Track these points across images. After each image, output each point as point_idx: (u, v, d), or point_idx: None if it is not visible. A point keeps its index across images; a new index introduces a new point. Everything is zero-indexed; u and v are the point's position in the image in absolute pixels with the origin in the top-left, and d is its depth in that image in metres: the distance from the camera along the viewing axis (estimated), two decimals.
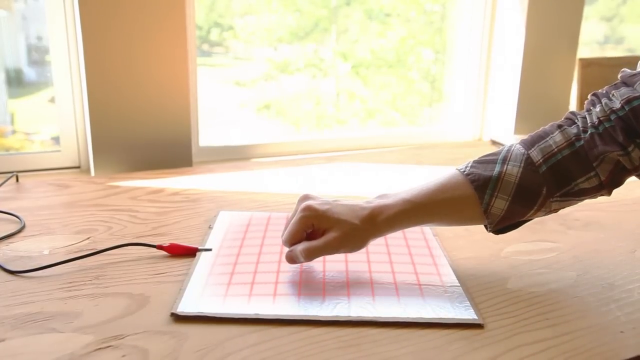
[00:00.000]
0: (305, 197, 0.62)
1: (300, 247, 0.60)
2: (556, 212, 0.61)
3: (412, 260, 0.67)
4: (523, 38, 1.38)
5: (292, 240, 0.61)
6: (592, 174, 0.58)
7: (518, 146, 0.61)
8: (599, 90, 0.61)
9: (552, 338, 0.52)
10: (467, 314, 0.55)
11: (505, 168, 0.59)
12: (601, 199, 0.94)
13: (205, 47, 1.30)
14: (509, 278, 0.64)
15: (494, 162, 0.60)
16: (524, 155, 0.59)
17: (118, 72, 1.04)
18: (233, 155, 1.27)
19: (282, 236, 0.63)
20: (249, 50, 1.34)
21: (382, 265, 0.65)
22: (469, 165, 0.62)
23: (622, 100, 0.57)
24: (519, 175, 0.58)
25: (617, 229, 0.81)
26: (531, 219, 0.62)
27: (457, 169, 0.62)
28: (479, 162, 0.61)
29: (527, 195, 0.59)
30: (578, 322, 0.55)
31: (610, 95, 0.59)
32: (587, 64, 1.41)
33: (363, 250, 0.63)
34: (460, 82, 1.52)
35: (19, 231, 0.73)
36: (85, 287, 0.59)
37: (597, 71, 1.40)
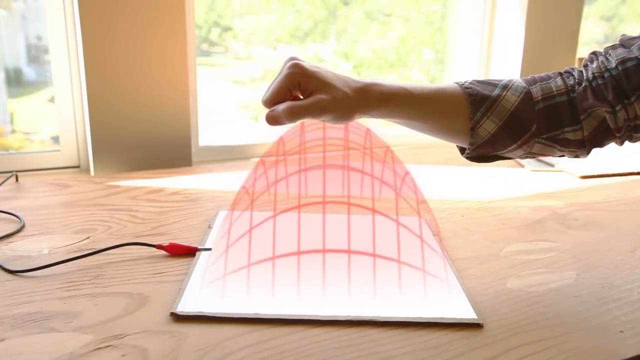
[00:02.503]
0: (293, 58, 0.57)
1: (283, 105, 0.54)
2: (533, 157, 0.62)
3: (411, 260, 0.67)
4: (523, 38, 1.38)
5: (275, 98, 0.55)
6: (578, 126, 0.59)
7: (520, 80, 0.62)
8: (598, 50, 0.62)
9: (551, 338, 0.52)
10: (467, 313, 0.55)
11: (504, 93, 0.59)
12: (601, 197, 0.95)
13: (205, 46, 1.30)
14: (509, 277, 0.64)
15: (495, 85, 0.61)
16: (525, 88, 0.60)
17: (118, 72, 1.04)
18: (233, 155, 1.27)
19: (262, 97, 0.56)
20: (248, 50, 1.34)
21: (382, 265, 0.65)
22: (469, 81, 0.62)
23: (617, 60, 0.58)
24: (516, 104, 0.59)
25: (617, 228, 0.81)
26: (508, 157, 0.63)
27: (456, 82, 0.62)
28: (480, 81, 0.62)
29: (517, 126, 0.59)
30: (577, 322, 0.55)
31: (607, 55, 0.60)
32: None
33: (361, 249, 0.62)
34: None
35: (19, 231, 0.73)
36: (85, 287, 0.59)
37: None
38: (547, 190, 1.00)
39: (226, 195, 0.91)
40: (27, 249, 0.68)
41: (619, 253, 0.72)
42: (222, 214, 0.81)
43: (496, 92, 0.59)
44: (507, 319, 0.55)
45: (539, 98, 0.59)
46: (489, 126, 0.59)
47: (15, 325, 0.51)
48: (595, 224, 0.83)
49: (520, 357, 0.49)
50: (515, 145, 0.60)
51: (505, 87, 0.60)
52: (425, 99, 0.59)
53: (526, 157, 0.63)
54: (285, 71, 0.55)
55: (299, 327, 0.52)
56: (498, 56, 1.46)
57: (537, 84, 0.60)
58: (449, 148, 1.32)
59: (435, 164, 1.17)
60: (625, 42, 0.60)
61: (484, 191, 0.98)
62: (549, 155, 0.62)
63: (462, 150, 0.64)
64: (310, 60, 1.37)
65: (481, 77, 1.49)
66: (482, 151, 0.61)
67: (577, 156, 0.62)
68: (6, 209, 0.80)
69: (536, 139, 0.59)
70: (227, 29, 1.31)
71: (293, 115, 0.53)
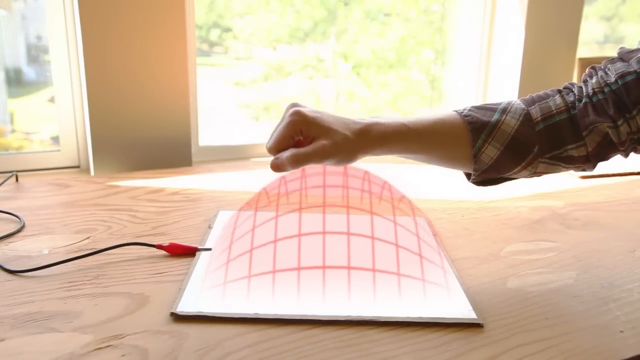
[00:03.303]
0: (294, 105, 0.58)
1: (286, 153, 0.55)
2: (539, 175, 0.62)
3: (410, 260, 0.67)
4: (523, 38, 1.38)
5: (279, 146, 0.56)
6: (581, 142, 0.59)
7: (519, 101, 0.62)
8: (597, 64, 0.62)
9: (552, 337, 0.52)
10: (467, 313, 0.55)
11: (504, 117, 0.59)
12: (601, 197, 0.95)
13: (205, 47, 1.30)
14: (509, 277, 0.64)
15: (494, 110, 0.61)
16: (524, 110, 0.60)
17: (118, 72, 1.04)
18: (233, 155, 1.27)
19: (266, 144, 0.58)
20: (248, 50, 1.34)
21: (382, 265, 0.65)
22: (467, 108, 0.62)
23: (616, 74, 0.58)
24: (515, 127, 0.59)
25: (617, 228, 0.81)
26: (514, 178, 0.63)
27: (455, 110, 0.62)
28: (479, 107, 0.62)
29: (519, 149, 0.59)
30: (577, 322, 0.55)
31: (606, 69, 0.60)
32: (586, 63, 1.41)
33: (361, 249, 0.62)
34: (460, 82, 1.52)
35: (19, 231, 0.73)
36: (85, 287, 0.59)
37: None
38: (547, 190, 1.00)
39: (226, 195, 0.91)
40: (27, 249, 0.68)
41: (619, 253, 0.72)
42: (222, 214, 0.81)
43: (495, 117, 0.60)
44: (507, 319, 0.55)
45: (539, 118, 0.59)
46: (491, 152, 0.59)
47: (16, 325, 0.51)
48: (595, 224, 0.83)
49: (520, 357, 0.49)
50: (519, 168, 0.60)
51: (504, 111, 0.60)
52: (425, 132, 0.59)
53: (532, 177, 0.62)
54: (287, 119, 0.56)
55: (299, 327, 0.52)
56: (498, 56, 1.46)
57: (536, 104, 0.60)
58: None
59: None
60: (624, 56, 0.60)
61: (484, 191, 0.98)
62: (554, 173, 0.62)
63: (468, 176, 0.64)
64: (310, 60, 1.38)
65: (481, 77, 1.49)
66: (487, 176, 0.61)
67: (583, 170, 0.62)
68: (6, 209, 0.80)
69: (540, 159, 0.59)
70: (227, 30, 1.31)
71: (297, 162, 0.55)
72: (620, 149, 0.59)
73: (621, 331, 0.54)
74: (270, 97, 1.40)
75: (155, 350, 0.48)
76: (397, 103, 1.52)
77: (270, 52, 1.35)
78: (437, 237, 0.74)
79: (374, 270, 0.64)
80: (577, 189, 1.01)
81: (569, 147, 0.59)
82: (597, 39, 1.76)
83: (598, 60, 1.43)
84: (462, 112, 0.61)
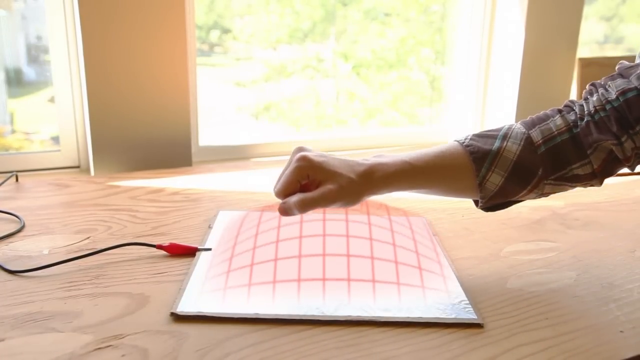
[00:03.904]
0: (300, 149, 0.60)
1: (294, 198, 0.57)
2: (547, 196, 0.62)
3: (411, 260, 0.67)
4: (523, 38, 1.38)
5: (286, 191, 0.58)
6: (586, 161, 0.59)
7: (519, 125, 0.62)
8: (597, 81, 0.62)
9: (552, 338, 0.52)
10: (467, 313, 0.55)
11: (505, 144, 0.59)
12: (601, 197, 0.95)
13: (205, 47, 1.30)
14: (509, 277, 0.64)
15: (494, 137, 0.61)
16: (524, 134, 0.60)
17: (118, 72, 1.04)
18: (233, 155, 1.27)
19: (274, 188, 0.60)
20: (248, 50, 1.34)
21: (383, 265, 0.65)
22: (469, 137, 0.62)
23: (617, 91, 0.58)
24: (517, 152, 0.59)
25: (617, 228, 0.81)
26: (522, 200, 0.63)
27: (456, 140, 0.62)
28: (479, 135, 0.62)
29: (523, 173, 0.59)
30: (577, 322, 0.55)
31: (607, 86, 0.60)
32: (586, 63, 1.41)
33: (363, 248, 0.62)
34: (460, 82, 1.52)
35: (19, 231, 0.73)
36: (85, 287, 0.59)
37: (597, 71, 1.40)
38: None
39: (226, 195, 0.91)
40: (27, 249, 0.68)
41: (619, 253, 0.72)
42: (222, 214, 0.81)
43: (496, 144, 0.60)
44: (507, 319, 0.55)
45: (540, 141, 0.59)
46: (495, 179, 0.59)
47: (16, 325, 0.51)
48: (595, 224, 0.83)
49: (520, 357, 0.49)
50: (525, 191, 0.60)
51: (505, 137, 0.60)
52: (428, 168, 0.60)
53: (540, 198, 0.63)
54: (293, 164, 0.58)
55: (299, 327, 0.52)
56: (498, 56, 1.46)
57: (537, 127, 0.60)
58: None
59: None
60: (624, 72, 0.60)
61: None
62: (562, 192, 0.62)
63: (476, 203, 0.64)
64: (310, 60, 1.38)
65: (481, 77, 1.49)
66: (494, 202, 0.62)
67: (591, 186, 0.62)
68: (6, 209, 0.80)
69: (545, 181, 0.60)
70: (226, 30, 1.31)
71: (304, 207, 0.56)
72: (626, 164, 0.59)
73: (621, 331, 0.54)
74: (270, 97, 1.40)
75: (155, 350, 0.48)
76: (397, 103, 1.52)
77: (270, 53, 1.35)
78: (437, 237, 0.74)
79: (373, 281, 0.64)
80: (577, 189, 1.00)
81: (574, 166, 0.59)
82: (597, 39, 1.76)
83: (598, 60, 1.43)
84: (463, 142, 0.61)
